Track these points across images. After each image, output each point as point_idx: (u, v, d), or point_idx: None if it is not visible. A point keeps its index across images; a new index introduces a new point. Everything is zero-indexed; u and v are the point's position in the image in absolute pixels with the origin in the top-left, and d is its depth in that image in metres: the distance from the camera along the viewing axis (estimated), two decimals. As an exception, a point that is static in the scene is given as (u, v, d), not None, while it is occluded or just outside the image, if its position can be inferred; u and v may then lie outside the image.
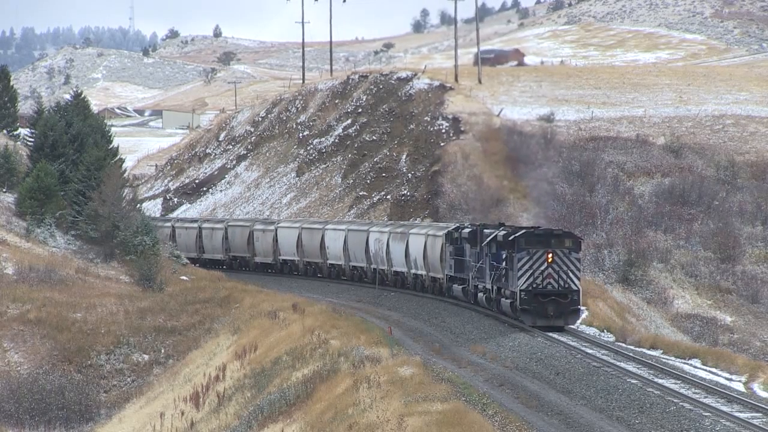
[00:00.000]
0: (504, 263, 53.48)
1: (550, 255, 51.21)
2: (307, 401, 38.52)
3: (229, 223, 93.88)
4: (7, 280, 63.43)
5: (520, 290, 51.40)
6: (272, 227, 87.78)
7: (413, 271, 70.44)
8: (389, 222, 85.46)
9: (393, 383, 35.98)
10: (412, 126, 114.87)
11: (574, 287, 51.53)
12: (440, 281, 66.31)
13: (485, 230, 57.30)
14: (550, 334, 50.06)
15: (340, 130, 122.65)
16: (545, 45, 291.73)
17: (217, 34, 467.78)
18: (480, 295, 57.91)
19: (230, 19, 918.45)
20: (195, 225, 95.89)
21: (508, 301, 53.16)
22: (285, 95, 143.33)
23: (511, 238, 52.40)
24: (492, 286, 55.48)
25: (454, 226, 65.25)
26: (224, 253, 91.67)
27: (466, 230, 60.62)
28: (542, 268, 51.33)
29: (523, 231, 52.81)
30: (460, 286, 61.47)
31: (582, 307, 54.40)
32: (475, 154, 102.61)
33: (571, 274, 51.53)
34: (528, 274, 51.40)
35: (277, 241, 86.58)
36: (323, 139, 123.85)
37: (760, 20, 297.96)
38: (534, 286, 51.32)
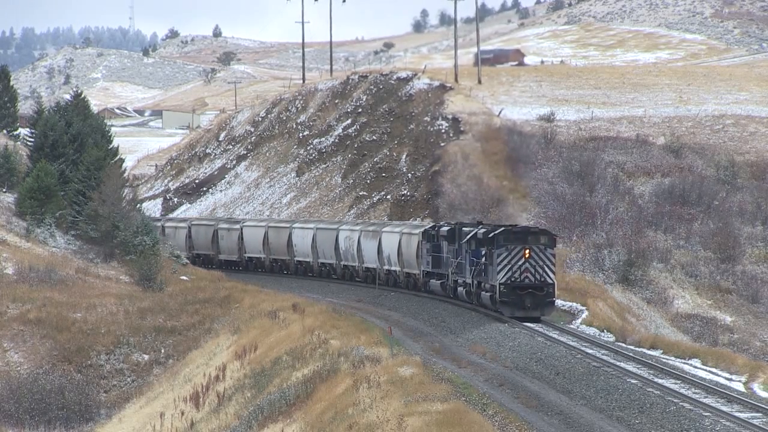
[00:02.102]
0: (483, 259, 56.47)
1: (527, 251, 54.51)
2: (307, 401, 38.53)
3: (193, 222, 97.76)
4: (7, 280, 63.43)
5: (500, 284, 54.65)
6: (237, 226, 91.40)
7: (386, 267, 73.72)
8: (359, 221, 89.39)
9: (393, 383, 35.99)
10: (412, 126, 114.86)
11: (550, 281, 54.74)
12: (415, 277, 69.28)
13: (464, 228, 60.46)
14: (550, 334, 50.26)
15: (340, 130, 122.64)
16: (545, 45, 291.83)
17: (217, 34, 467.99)
18: (460, 289, 60.78)
19: (230, 19, 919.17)
20: (158, 224, 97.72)
21: (488, 294, 56.19)
22: (285, 95, 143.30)
23: (490, 236, 55.52)
24: (472, 281, 58.44)
25: (430, 225, 69.08)
26: (188, 251, 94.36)
27: (444, 228, 63.64)
28: (520, 263, 54.59)
29: (502, 229, 55.87)
30: (438, 281, 64.44)
31: (557, 299, 57.79)
32: (475, 154, 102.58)
33: (546, 269, 54.71)
34: (507, 268, 54.60)
35: (242, 239, 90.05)
36: (323, 139, 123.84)
37: (760, 20, 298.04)
38: (512, 279, 54.57)
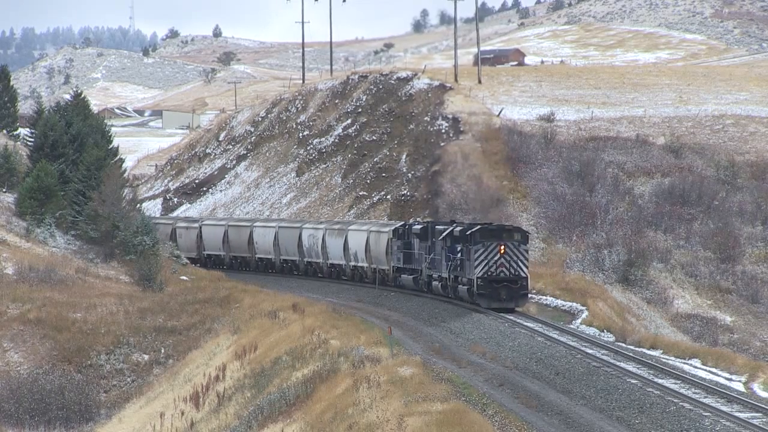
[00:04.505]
0: (460, 255, 59.56)
1: (502, 247, 57.92)
2: (307, 401, 38.53)
3: (152, 222, 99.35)
4: (7, 280, 63.40)
5: (477, 277, 57.97)
6: (196, 225, 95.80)
7: (352, 263, 77.90)
8: (322, 220, 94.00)
9: (393, 383, 35.99)
10: (412, 126, 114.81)
11: (523, 274, 58.26)
12: (385, 272, 73.17)
13: (437, 227, 64.09)
14: (550, 334, 50.33)
15: (340, 130, 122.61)
16: (545, 45, 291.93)
17: (217, 34, 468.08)
18: (435, 283, 64.35)
19: (230, 20, 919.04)
20: None
21: (465, 287, 59.55)
22: (285, 95, 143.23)
23: (468, 233, 58.90)
24: (449, 275, 61.73)
25: (400, 224, 72.90)
26: None
27: (417, 227, 67.54)
28: (495, 258, 57.95)
29: (479, 227, 59.24)
30: (410, 276, 68.25)
31: (531, 292, 61.89)
32: (474, 154, 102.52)
33: (520, 263, 58.17)
34: (483, 263, 57.94)
35: (201, 237, 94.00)
36: (323, 139, 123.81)
37: (760, 20, 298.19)
38: (489, 273, 57.92)
